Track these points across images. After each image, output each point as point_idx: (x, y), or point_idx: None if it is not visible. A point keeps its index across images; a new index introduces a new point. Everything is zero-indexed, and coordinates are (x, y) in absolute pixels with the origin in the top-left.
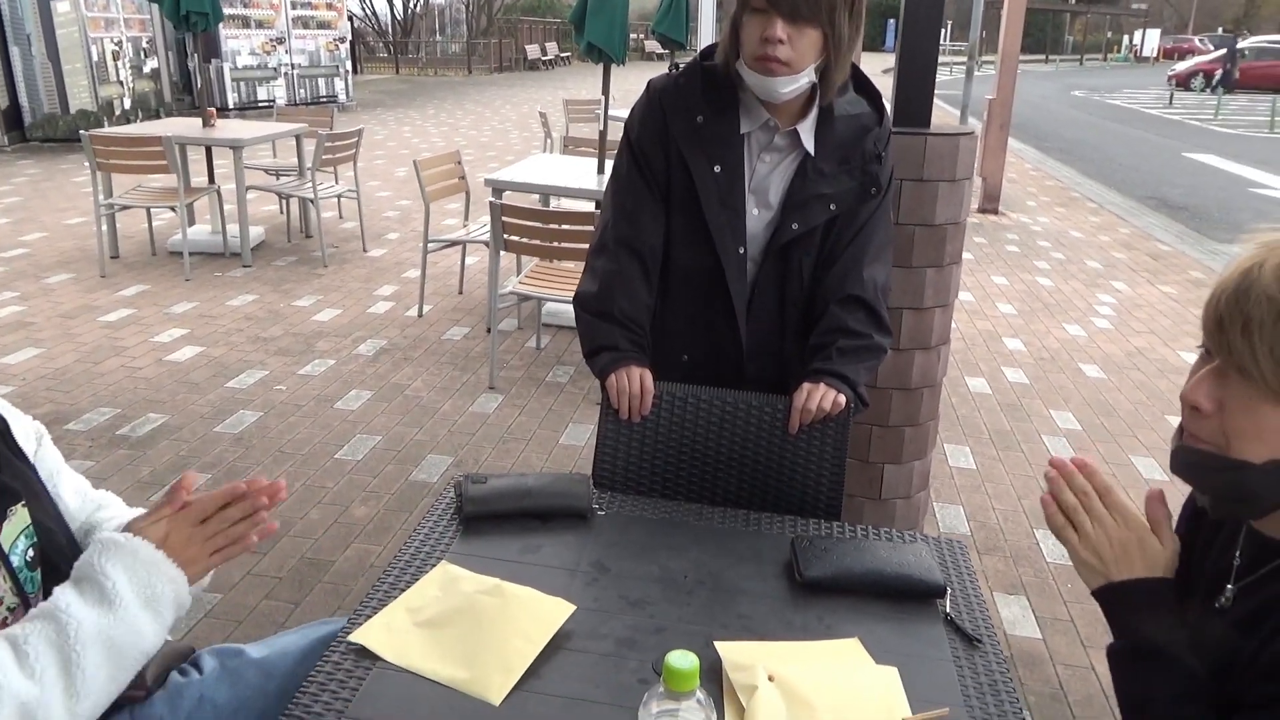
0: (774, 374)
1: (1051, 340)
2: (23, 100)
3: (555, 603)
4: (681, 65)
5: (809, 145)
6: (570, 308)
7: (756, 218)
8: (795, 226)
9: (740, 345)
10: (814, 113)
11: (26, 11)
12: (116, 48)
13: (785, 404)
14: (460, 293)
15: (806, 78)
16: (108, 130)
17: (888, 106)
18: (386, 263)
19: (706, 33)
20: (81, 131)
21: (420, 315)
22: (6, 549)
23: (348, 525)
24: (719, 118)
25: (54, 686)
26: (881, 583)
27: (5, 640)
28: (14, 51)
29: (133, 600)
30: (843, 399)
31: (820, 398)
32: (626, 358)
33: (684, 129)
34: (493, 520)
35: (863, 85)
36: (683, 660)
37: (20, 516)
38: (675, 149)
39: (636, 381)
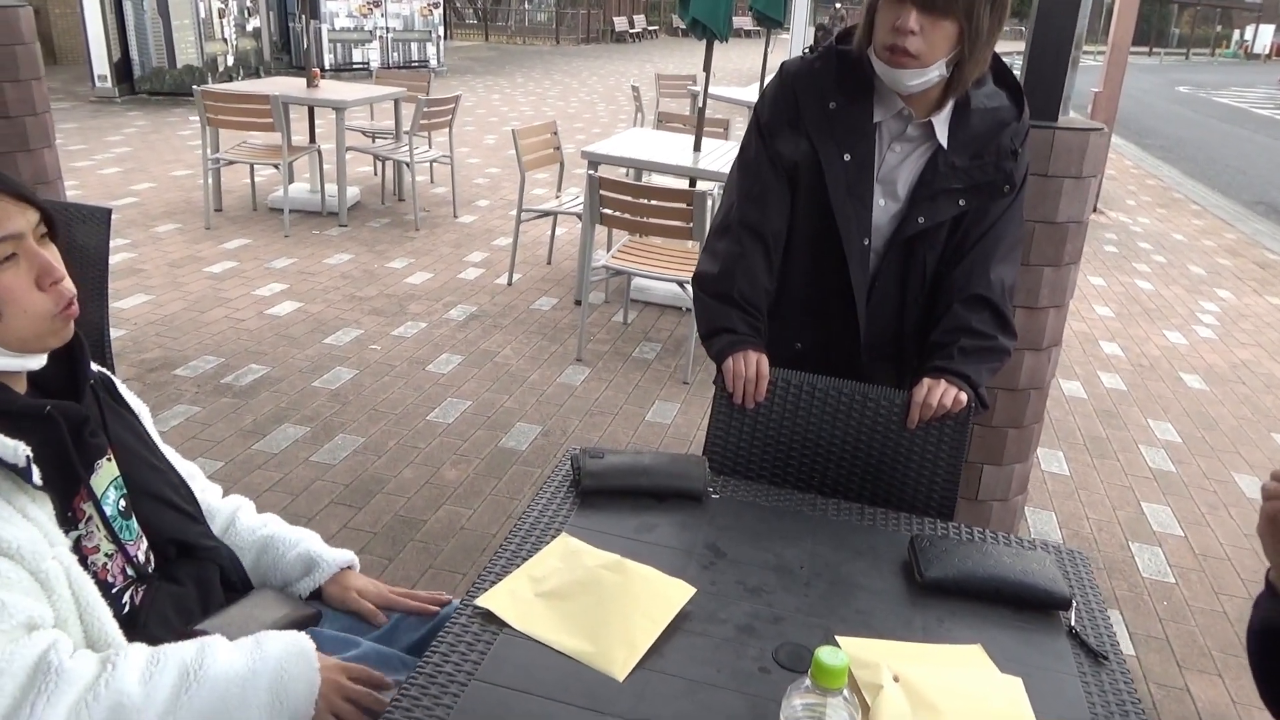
0: (890, 369)
1: (1151, 347)
2: (133, 54)
3: (676, 584)
4: (818, 49)
5: (942, 138)
6: (658, 285)
7: (883, 208)
8: (921, 220)
9: (857, 337)
10: (950, 104)
11: None
12: (222, 5)
13: (903, 399)
14: (549, 263)
15: (936, 71)
16: (219, 87)
17: None
18: (476, 229)
19: (800, 11)
20: (195, 88)
21: (510, 284)
22: (99, 498)
23: (439, 486)
24: (852, 105)
25: (155, 700)
26: (1004, 589)
27: (145, 651)
28: (127, 6)
29: (266, 680)
30: (964, 397)
31: (941, 394)
32: (744, 341)
33: (816, 114)
34: (608, 495)
35: (1002, 77)
36: (833, 658)
37: (107, 470)
38: (805, 134)
39: (754, 366)
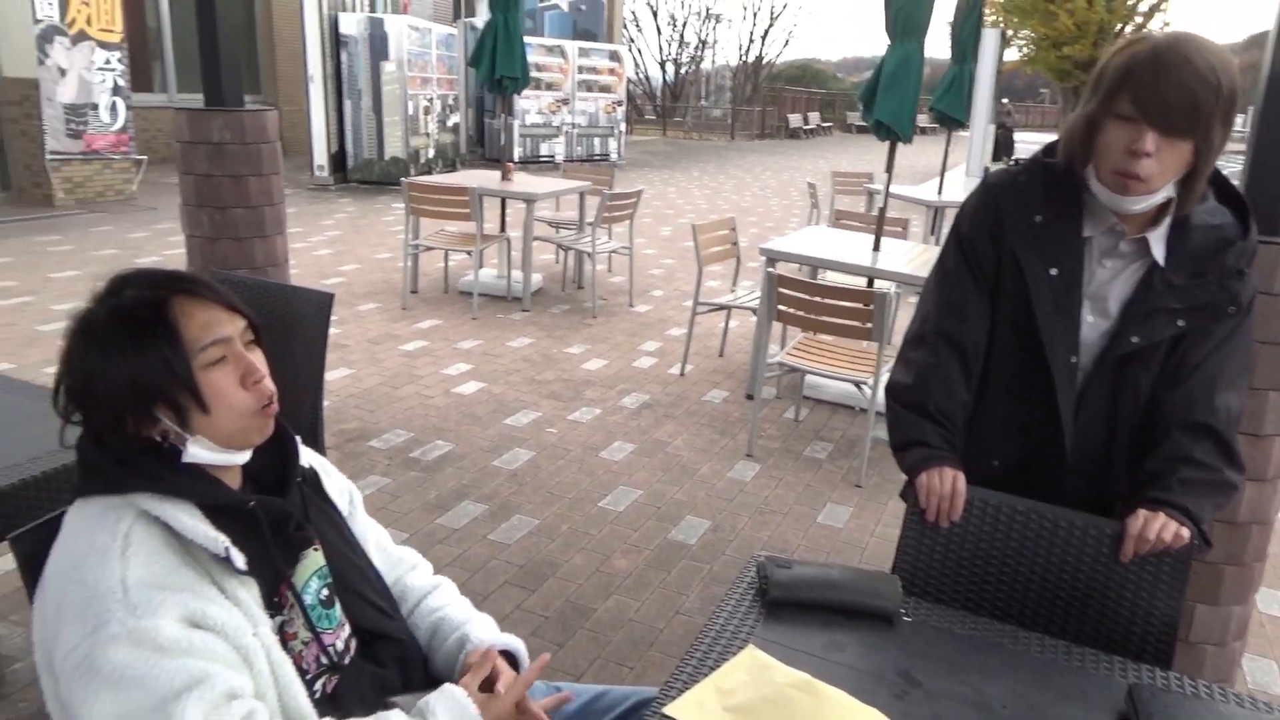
0: (1094, 495)
1: None
2: (348, 146)
3: (870, 713)
4: (1020, 161)
5: (1158, 255)
6: (831, 383)
7: (1091, 325)
8: (1135, 339)
9: (1062, 459)
10: (1167, 221)
11: (360, 70)
12: (428, 104)
13: (1114, 529)
14: (721, 355)
15: (1164, 194)
16: (423, 180)
17: None
18: (651, 319)
19: (981, 110)
20: (401, 180)
21: (682, 374)
22: (300, 588)
23: (608, 575)
24: (1059, 219)
25: None
26: None
27: None
28: (347, 105)
29: None
30: (1186, 533)
31: (1160, 528)
32: (939, 457)
33: (1020, 228)
34: (795, 608)
35: (1226, 192)
36: None
37: (313, 559)
38: (1008, 247)
39: (949, 483)
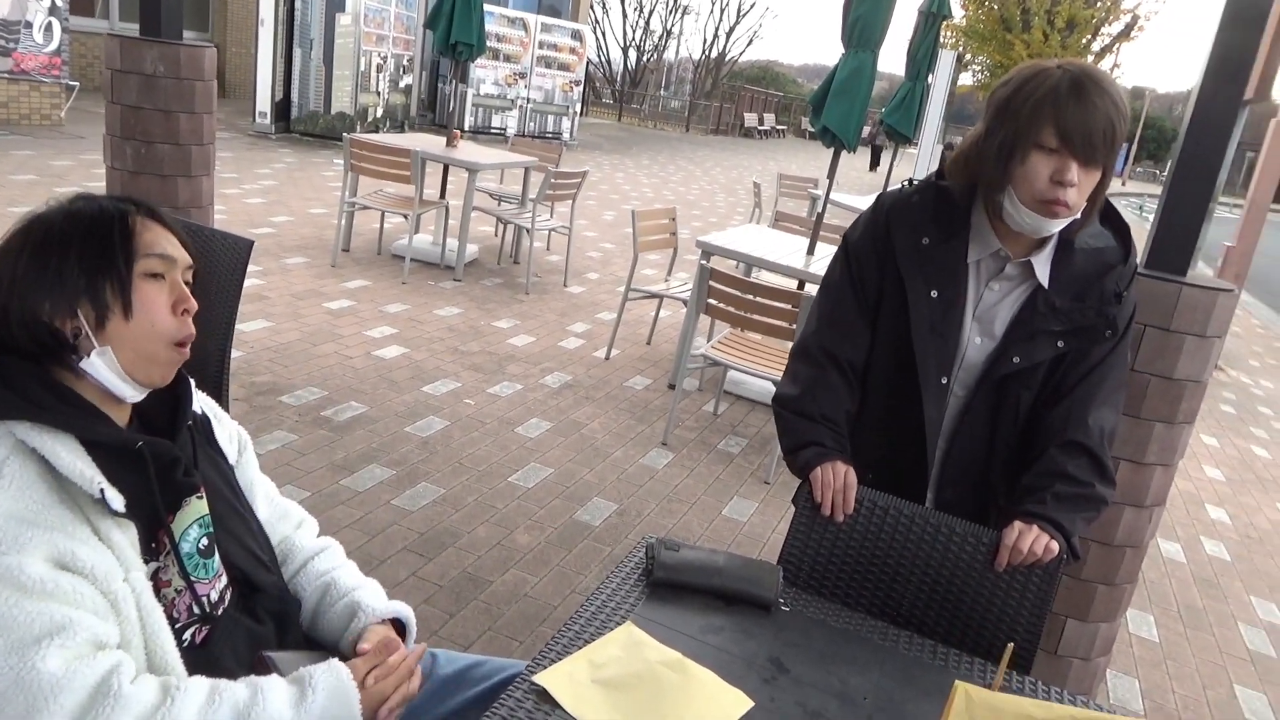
0: (972, 506)
1: (1261, 518)
2: (294, 96)
3: (734, 694)
4: (915, 182)
5: (1042, 278)
6: (753, 380)
7: (979, 347)
8: (1016, 360)
9: (925, 476)
10: (1051, 244)
11: (314, 19)
12: (381, 61)
13: (991, 538)
14: (648, 343)
15: (1074, 216)
16: (366, 136)
17: (1139, 245)
18: (583, 301)
19: (930, 130)
20: (345, 135)
21: (607, 358)
22: (177, 536)
23: (509, 549)
24: (945, 242)
25: None
26: None
27: (205, 688)
28: (297, 53)
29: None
30: (1055, 546)
31: (1032, 541)
32: (832, 454)
33: (907, 248)
34: (678, 590)
35: (1110, 217)
36: None
37: (195, 507)
38: (893, 266)
39: (842, 477)
